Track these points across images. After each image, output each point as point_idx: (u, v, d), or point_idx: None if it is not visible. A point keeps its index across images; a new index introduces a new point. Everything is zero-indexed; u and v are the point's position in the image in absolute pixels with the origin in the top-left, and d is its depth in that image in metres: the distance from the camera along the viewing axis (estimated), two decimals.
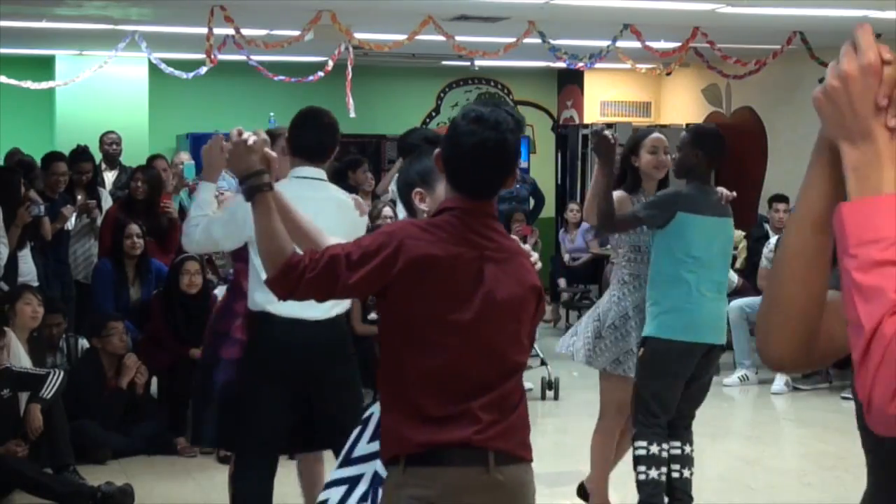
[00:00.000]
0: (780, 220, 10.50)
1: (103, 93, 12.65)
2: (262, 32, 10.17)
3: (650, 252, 5.48)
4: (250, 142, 3.01)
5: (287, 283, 2.88)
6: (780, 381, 9.28)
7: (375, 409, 3.42)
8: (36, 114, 13.12)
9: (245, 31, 9.49)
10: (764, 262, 9.90)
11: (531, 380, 9.07)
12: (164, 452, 7.11)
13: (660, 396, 5.32)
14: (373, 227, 8.86)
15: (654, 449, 5.33)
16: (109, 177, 10.29)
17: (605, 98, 15.10)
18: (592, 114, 14.99)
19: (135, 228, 7.95)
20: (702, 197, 5.40)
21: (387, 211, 9.26)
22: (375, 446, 3.28)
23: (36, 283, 7.73)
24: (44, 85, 11.53)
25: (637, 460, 5.34)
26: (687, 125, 13.80)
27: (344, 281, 2.85)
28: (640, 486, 5.36)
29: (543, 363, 9.19)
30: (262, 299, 4.56)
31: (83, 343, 7.48)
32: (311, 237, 3.15)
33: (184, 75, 10.70)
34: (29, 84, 11.12)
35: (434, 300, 2.91)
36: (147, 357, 7.29)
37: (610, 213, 5.33)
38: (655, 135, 5.72)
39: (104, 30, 10.32)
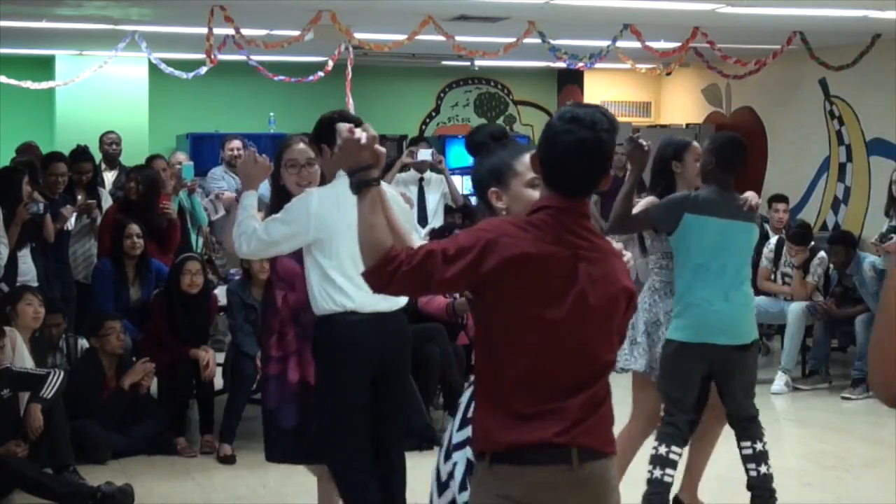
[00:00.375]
0: (779, 220, 10.50)
1: (103, 93, 12.65)
2: (262, 32, 10.18)
3: None
4: (363, 140, 3.04)
5: (383, 274, 2.93)
6: (780, 381, 9.28)
7: (463, 398, 3.57)
8: (36, 114, 13.12)
9: (245, 31, 9.49)
10: (764, 262, 9.90)
11: None
12: (164, 452, 7.12)
13: (672, 397, 5.43)
14: None
15: (662, 450, 5.42)
16: (109, 177, 10.30)
17: (605, 98, 15.10)
18: None
19: (135, 228, 7.94)
20: (717, 200, 5.44)
21: None
22: (465, 433, 3.32)
23: (35, 284, 7.73)
24: (44, 85, 11.53)
25: (650, 458, 5.45)
26: (687, 125, 13.86)
27: (440, 275, 2.90)
28: (647, 483, 5.45)
29: None
30: (343, 298, 4.68)
31: (83, 343, 7.48)
32: (400, 236, 3.19)
33: (184, 75, 10.70)
34: (29, 84, 11.12)
35: (527, 298, 2.94)
36: (147, 357, 7.29)
37: (626, 215, 5.44)
38: (696, 143, 5.84)
39: (104, 30, 10.32)
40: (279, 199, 4.96)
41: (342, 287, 4.69)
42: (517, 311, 2.95)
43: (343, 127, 3.07)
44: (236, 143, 10.33)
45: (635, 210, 5.53)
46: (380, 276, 2.93)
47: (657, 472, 5.40)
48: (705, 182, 5.55)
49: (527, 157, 3.35)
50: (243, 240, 4.73)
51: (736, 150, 5.58)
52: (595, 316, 3.00)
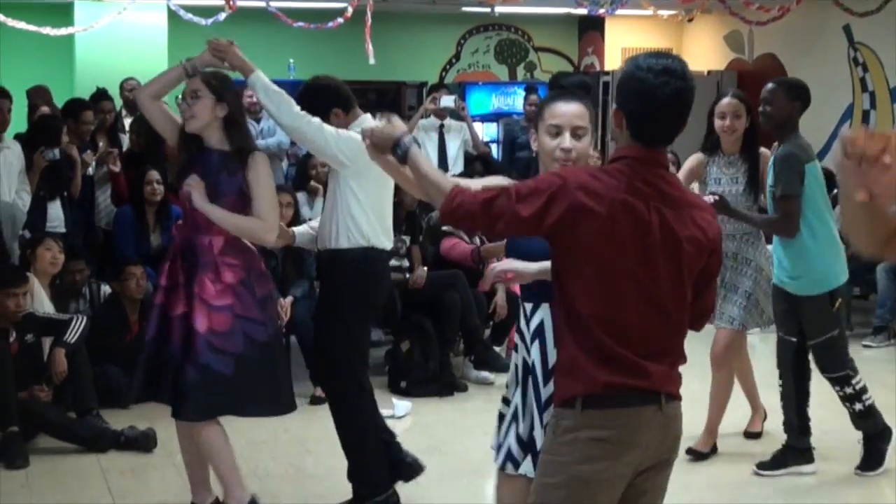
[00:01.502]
0: None
1: (122, 39, 12.61)
2: None
3: None
4: (385, 129, 3.30)
5: (454, 207, 3.04)
6: None
7: (530, 358, 3.55)
8: (56, 60, 13.09)
9: None
10: None
11: None
12: None
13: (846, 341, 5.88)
14: None
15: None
16: (129, 123, 10.31)
17: (626, 45, 14.99)
18: (613, 60, 14.89)
19: (154, 175, 7.95)
20: (806, 144, 5.65)
21: None
22: (551, 388, 3.36)
23: (63, 230, 7.77)
24: (63, 31, 11.48)
25: (863, 391, 5.76)
26: (708, 72, 13.74)
27: (512, 211, 2.97)
28: (872, 410, 5.81)
29: None
30: (371, 232, 5.01)
31: (105, 289, 7.52)
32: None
33: (202, 21, 10.65)
34: (48, 30, 11.07)
35: (598, 246, 2.96)
36: None
37: (782, 224, 5.61)
38: (724, 100, 5.98)
39: None
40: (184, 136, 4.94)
41: (372, 223, 4.99)
42: (587, 259, 2.97)
43: (363, 134, 3.40)
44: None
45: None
46: (451, 209, 3.05)
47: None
48: (781, 129, 5.63)
49: (556, 106, 3.47)
50: (302, 124, 4.84)
51: (809, 92, 5.74)
52: (668, 267, 3.01)
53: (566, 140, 3.45)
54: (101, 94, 9.43)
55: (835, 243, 5.66)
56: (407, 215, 8.13)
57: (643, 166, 3.02)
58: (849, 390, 5.73)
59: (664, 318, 3.05)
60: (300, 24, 10.96)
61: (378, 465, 5.17)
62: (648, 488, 3.14)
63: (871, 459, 5.87)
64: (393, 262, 7.91)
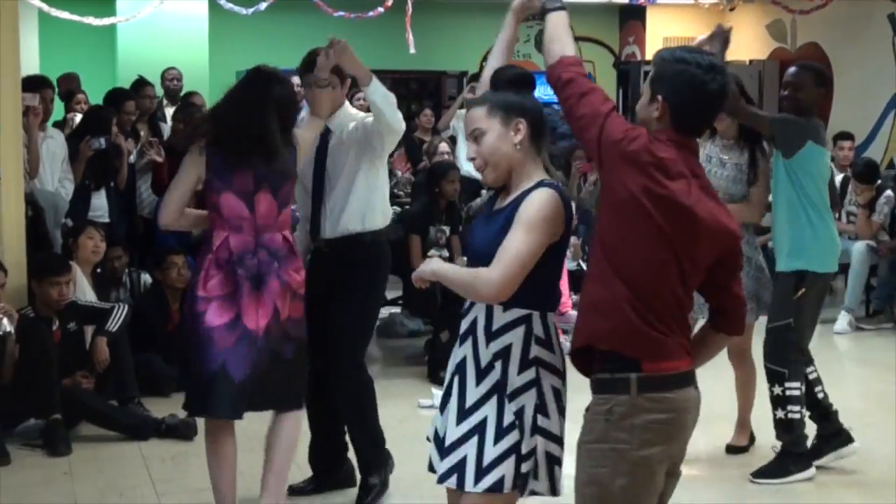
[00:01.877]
0: (844, 158, 10.32)
1: (164, 29, 12.68)
2: None
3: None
4: None
5: (571, 64, 3.34)
6: (843, 320, 9.20)
7: (512, 339, 3.32)
8: (98, 50, 13.18)
9: None
10: None
11: None
12: None
13: (808, 332, 5.50)
14: (430, 164, 8.85)
15: (803, 388, 5.50)
16: (171, 113, 10.37)
17: (667, 34, 14.91)
18: (654, 50, 14.79)
19: None
20: (823, 130, 5.56)
21: (443, 147, 9.22)
22: (528, 375, 3.29)
23: (106, 220, 7.82)
24: (105, 21, 11.55)
25: (790, 400, 5.45)
26: (750, 61, 13.65)
27: (603, 108, 3.12)
28: (794, 425, 5.47)
29: None
30: (389, 215, 5.24)
31: (146, 278, 7.57)
32: None
33: (243, 11, 10.69)
34: (91, 20, 11.15)
35: (647, 202, 2.99)
36: None
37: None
38: None
39: None
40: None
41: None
42: (633, 216, 3.00)
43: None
44: (295, 80, 10.32)
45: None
46: (567, 65, 3.32)
47: (804, 412, 5.52)
48: (803, 114, 5.48)
49: (470, 110, 3.45)
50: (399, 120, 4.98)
51: (830, 80, 5.62)
52: (694, 237, 3.03)
53: (469, 149, 3.42)
54: (141, 81, 9.50)
55: (817, 231, 5.45)
56: (447, 205, 8.12)
57: (684, 150, 3.10)
58: (777, 390, 5.47)
59: (688, 294, 3.09)
60: (340, 13, 10.97)
61: (382, 438, 5.27)
62: (671, 479, 3.19)
63: (771, 470, 5.55)
64: (433, 252, 7.92)
